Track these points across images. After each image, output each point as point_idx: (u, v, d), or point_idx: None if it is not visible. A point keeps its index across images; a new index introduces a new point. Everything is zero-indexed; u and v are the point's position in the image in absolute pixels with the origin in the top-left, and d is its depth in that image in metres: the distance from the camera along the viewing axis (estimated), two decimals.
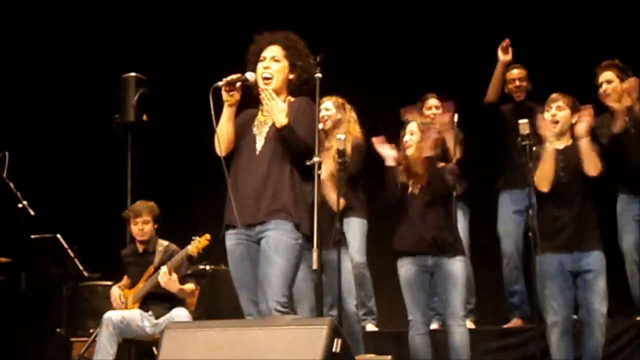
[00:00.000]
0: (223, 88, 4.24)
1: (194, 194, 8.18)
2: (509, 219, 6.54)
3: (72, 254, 6.66)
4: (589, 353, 5.11)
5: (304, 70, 4.36)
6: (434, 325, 6.21)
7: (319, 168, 4.05)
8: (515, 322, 6.49)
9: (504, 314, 6.71)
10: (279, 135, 4.18)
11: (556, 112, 5.22)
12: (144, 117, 6.81)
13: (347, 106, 5.93)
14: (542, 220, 5.19)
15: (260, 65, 4.33)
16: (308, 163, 4.08)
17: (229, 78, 4.22)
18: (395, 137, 5.53)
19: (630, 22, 7.02)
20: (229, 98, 4.27)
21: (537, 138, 5.37)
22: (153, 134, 7.00)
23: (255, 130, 4.34)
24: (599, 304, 5.06)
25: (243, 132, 4.36)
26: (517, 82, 6.59)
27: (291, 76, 4.35)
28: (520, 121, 5.33)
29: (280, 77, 4.32)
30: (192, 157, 8.29)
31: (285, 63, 4.33)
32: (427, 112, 6.50)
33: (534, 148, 5.25)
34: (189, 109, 8.26)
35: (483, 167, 6.66)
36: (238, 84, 4.25)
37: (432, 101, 6.60)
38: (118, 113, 6.82)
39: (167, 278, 5.82)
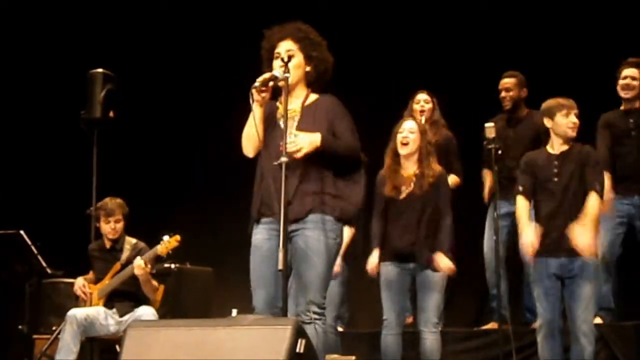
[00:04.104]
0: (256, 88, 4.10)
1: (160, 191, 8.15)
2: (490, 224, 6.60)
3: (35, 251, 6.60)
4: None
5: (320, 60, 4.27)
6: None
7: (287, 169, 4.00)
8: (492, 326, 6.54)
9: (477, 316, 6.78)
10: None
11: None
12: (111, 114, 6.78)
13: None
14: (536, 225, 5.20)
15: (276, 63, 4.21)
16: (275, 164, 3.97)
17: (261, 78, 4.09)
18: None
19: (631, 24, 7.06)
20: (260, 98, 4.13)
21: (501, 142, 5.42)
22: (119, 130, 6.96)
23: (282, 124, 4.19)
24: (583, 311, 5.03)
25: (267, 124, 4.23)
26: (503, 93, 6.57)
27: (308, 68, 4.25)
28: (486, 125, 5.36)
29: (298, 72, 4.21)
30: (159, 154, 8.29)
31: (300, 57, 4.23)
32: (416, 107, 6.51)
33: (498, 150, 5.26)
34: (156, 105, 8.29)
35: (468, 175, 6.74)
36: (271, 84, 4.13)
37: (421, 95, 6.58)
38: (84, 109, 6.79)
39: (142, 271, 5.78)
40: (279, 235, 4.04)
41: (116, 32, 8.27)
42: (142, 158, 8.21)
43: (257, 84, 4.11)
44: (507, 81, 6.58)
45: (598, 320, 6.06)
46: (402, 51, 7.80)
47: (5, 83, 8.23)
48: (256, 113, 4.16)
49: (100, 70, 6.80)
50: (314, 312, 4.05)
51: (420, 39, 7.74)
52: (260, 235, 4.18)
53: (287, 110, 4.12)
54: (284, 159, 3.96)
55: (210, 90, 8.15)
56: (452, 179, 6.57)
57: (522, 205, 5.18)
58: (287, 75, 4.11)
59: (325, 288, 4.12)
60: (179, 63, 8.28)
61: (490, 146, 5.27)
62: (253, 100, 4.14)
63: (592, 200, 5.03)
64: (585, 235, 4.96)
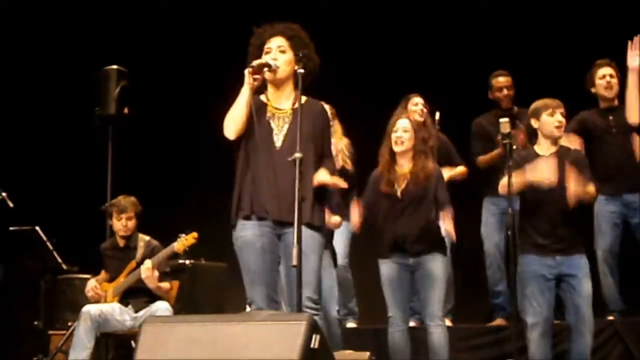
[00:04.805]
0: (250, 71, 4.16)
1: (175, 188, 8.17)
2: (492, 221, 6.62)
3: (50, 247, 6.64)
4: (577, 355, 5.10)
5: (309, 59, 4.29)
6: (412, 323, 6.24)
7: (301, 164, 4.01)
8: (498, 322, 6.54)
9: (487, 314, 6.76)
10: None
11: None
12: (125, 110, 6.78)
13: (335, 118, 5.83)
14: (525, 223, 5.21)
15: (267, 57, 4.25)
16: (289, 159, 3.99)
17: (258, 62, 4.18)
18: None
19: (615, 26, 7.04)
20: (253, 82, 4.19)
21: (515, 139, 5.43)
22: (134, 127, 6.97)
23: (272, 123, 4.26)
24: (587, 307, 5.08)
25: (254, 119, 4.23)
26: (505, 91, 6.63)
27: (296, 67, 4.25)
28: (501, 120, 5.36)
29: (287, 68, 4.25)
30: (173, 150, 8.30)
31: (290, 54, 4.26)
32: (414, 108, 6.48)
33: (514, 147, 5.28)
34: (171, 102, 8.30)
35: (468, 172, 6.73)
36: (266, 69, 4.20)
37: (417, 99, 6.58)
38: (99, 106, 6.80)
39: (149, 273, 5.81)
40: (271, 233, 4.19)
41: (130, 29, 8.27)
42: (157, 154, 8.22)
43: (254, 64, 4.17)
44: (503, 80, 6.66)
45: (610, 318, 6.08)
46: (397, 51, 7.82)
47: (21, 80, 8.26)
48: (246, 95, 4.19)
49: (114, 66, 6.81)
50: (311, 308, 4.09)
51: (414, 40, 7.77)
52: (251, 231, 4.21)
53: (300, 102, 4.16)
54: (298, 155, 3.98)
55: (222, 87, 8.14)
56: (459, 168, 6.60)
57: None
58: (301, 71, 4.15)
59: (319, 283, 4.19)
60: (193, 59, 8.28)
61: (505, 141, 5.28)
62: (245, 82, 4.18)
63: (592, 190, 5.13)
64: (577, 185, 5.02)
